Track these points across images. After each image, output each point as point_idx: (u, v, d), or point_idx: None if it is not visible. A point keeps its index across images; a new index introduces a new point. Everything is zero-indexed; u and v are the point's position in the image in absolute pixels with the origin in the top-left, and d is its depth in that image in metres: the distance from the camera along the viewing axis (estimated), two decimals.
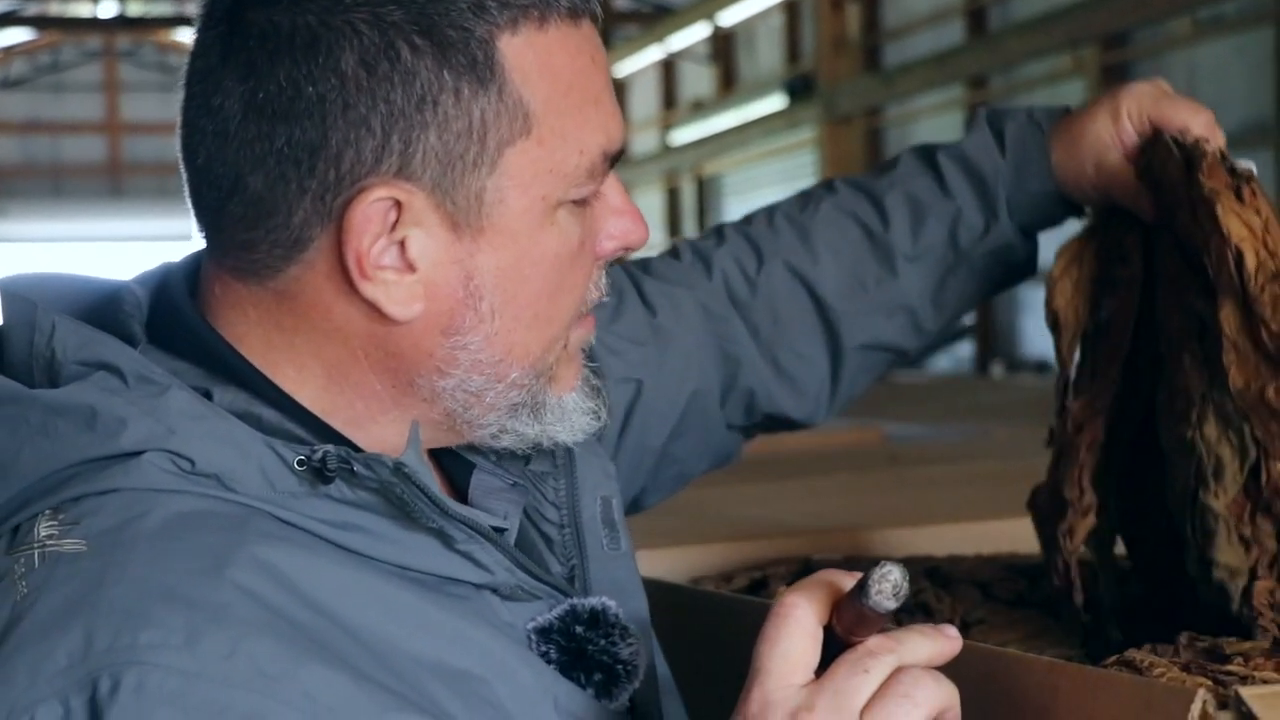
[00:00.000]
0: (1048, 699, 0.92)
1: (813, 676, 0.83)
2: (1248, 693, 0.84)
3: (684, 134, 14.35)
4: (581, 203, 0.94)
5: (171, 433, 0.85)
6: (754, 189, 14.20)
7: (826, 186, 1.35)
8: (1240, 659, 0.98)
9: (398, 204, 0.88)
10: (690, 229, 15.38)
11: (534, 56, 0.90)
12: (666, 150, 14.75)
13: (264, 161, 0.87)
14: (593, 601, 0.95)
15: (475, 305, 0.91)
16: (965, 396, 4.38)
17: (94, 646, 0.77)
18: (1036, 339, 10.27)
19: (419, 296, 0.89)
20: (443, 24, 0.87)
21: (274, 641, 0.80)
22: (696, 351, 1.27)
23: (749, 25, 13.94)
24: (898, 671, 0.82)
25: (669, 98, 15.72)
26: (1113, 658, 1.01)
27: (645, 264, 1.32)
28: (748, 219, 1.35)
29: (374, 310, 0.89)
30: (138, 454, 0.85)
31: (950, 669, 0.83)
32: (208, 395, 0.89)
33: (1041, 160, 1.30)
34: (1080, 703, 0.90)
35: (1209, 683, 0.89)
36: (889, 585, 0.79)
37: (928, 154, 1.33)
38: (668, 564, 1.45)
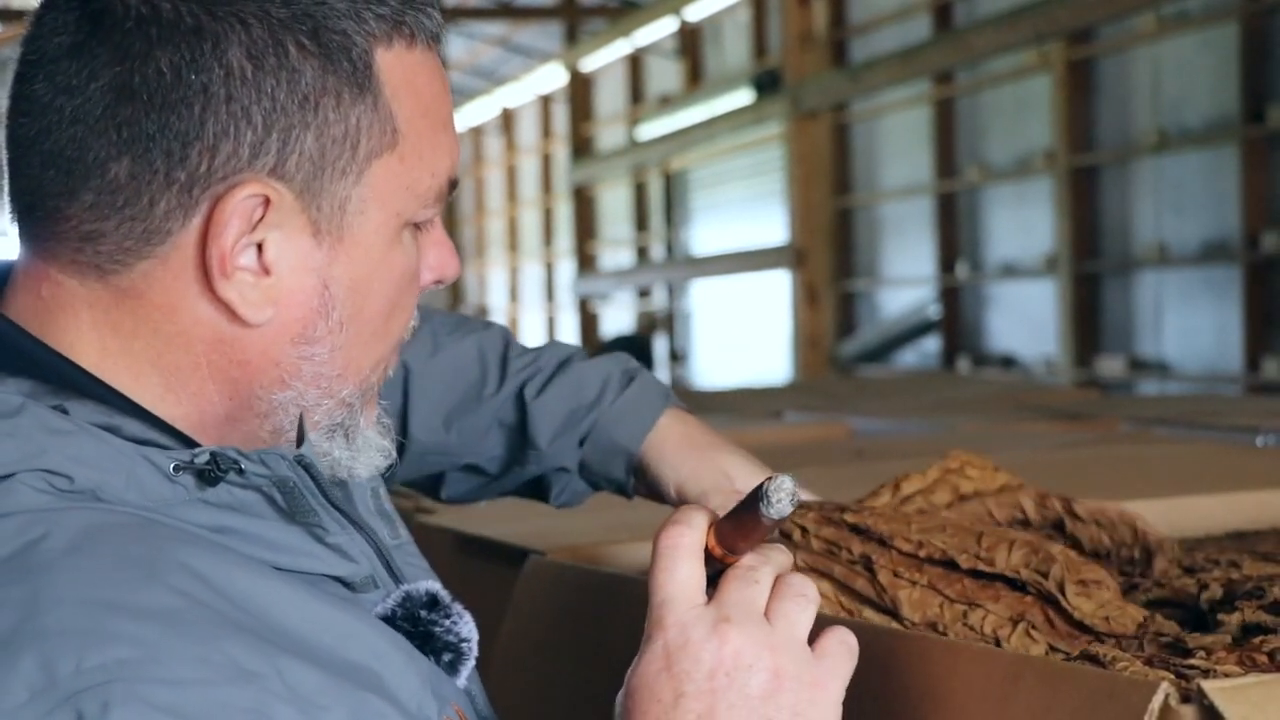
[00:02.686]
0: (1009, 691, 0.93)
1: (706, 597, 0.89)
2: (1210, 686, 0.84)
3: (651, 129, 14.34)
4: (419, 227, 0.94)
5: (43, 451, 0.83)
6: (721, 184, 14.20)
7: (486, 326, 1.36)
8: (1203, 653, 0.99)
9: (266, 202, 0.86)
10: (658, 224, 15.37)
11: (403, 73, 0.90)
12: (634, 145, 14.74)
13: (131, 148, 0.85)
14: (424, 585, 0.94)
15: (327, 315, 0.90)
16: (931, 391, 4.39)
17: (58, 673, 0.75)
18: (1002, 334, 10.30)
19: (272, 301, 0.88)
20: (326, 27, 0.87)
21: (238, 638, 0.79)
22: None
23: (716, 20, 13.93)
24: (781, 577, 0.90)
25: (636, 92, 15.71)
26: (1076, 651, 1.01)
27: None
28: None
29: (226, 312, 0.87)
30: (7, 476, 0.82)
31: (914, 661, 0.85)
32: (63, 411, 0.85)
33: (645, 422, 1.27)
34: (1042, 695, 0.91)
35: (1171, 676, 0.90)
36: (785, 494, 0.87)
37: (565, 359, 1.32)
38: (640, 558, 1.45)
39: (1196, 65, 8.43)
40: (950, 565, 1.09)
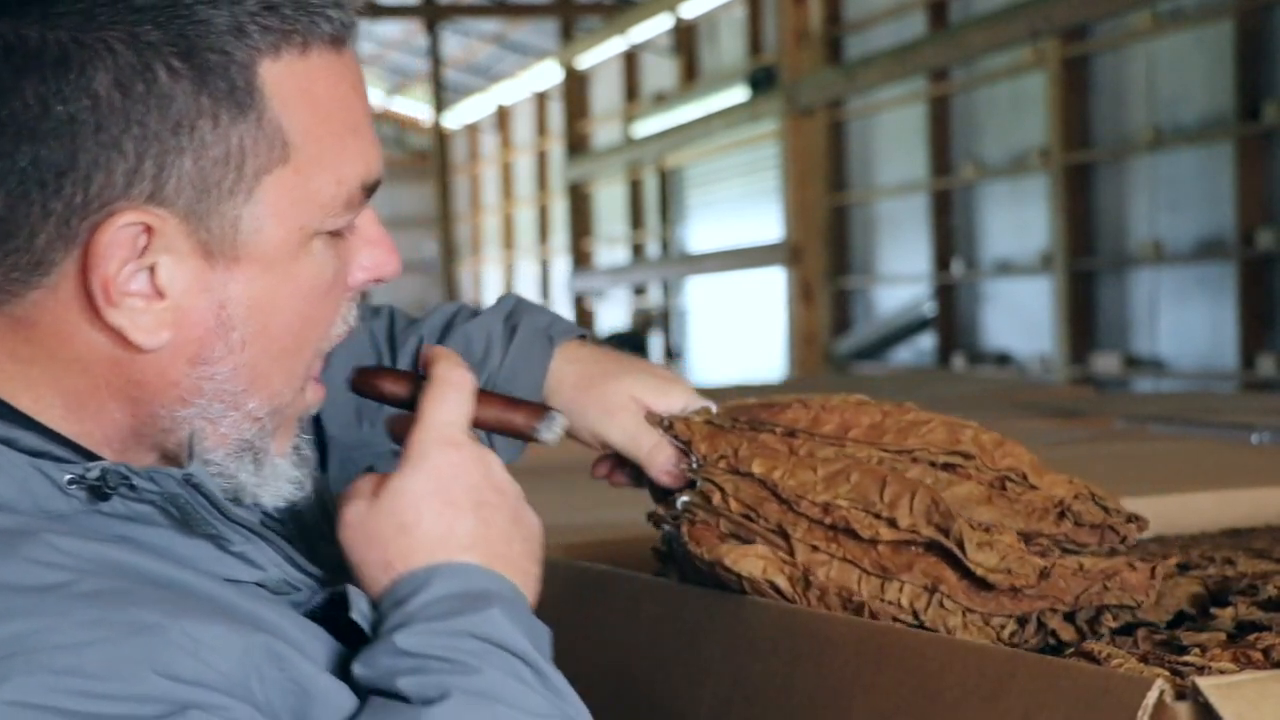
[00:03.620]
0: (1003, 687, 0.93)
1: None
2: (1205, 683, 0.84)
3: (646, 126, 14.34)
4: (336, 233, 0.93)
5: None
6: (717, 181, 14.20)
7: (375, 312, 1.33)
8: (1198, 650, 0.99)
9: (148, 229, 0.86)
10: (653, 221, 15.37)
11: (295, 83, 0.88)
12: (629, 142, 14.73)
13: (4, 181, 0.85)
14: (346, 587, 0.95)
15: (226, 335, 0.89)
16: (926, 388, 4.39)
17: None
18: (998, 332, 10.30)
19: (167, 324, 0.88)
20: (202, 47, 0.85)
21: (136, 596, 0.81)
22: None
23: (711, 17, 13.93)
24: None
25: (631, 90, 15.70)
26: (1071, 649, 1.01)
27: None
28: None
29: (119, 338, 0.87)
30: None
31: (907, 657, 0.85)
32: None
33: (539, 367, 1.25)
34: (1036, 691, 0.90)
35: (1166, 673, 0.89)
36: (555, 432, 1.02)
37: (450, 320, 1.30)
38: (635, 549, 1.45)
39: (1192, 63, 8.43)
40: (855, 536, 1.10)
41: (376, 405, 1.25)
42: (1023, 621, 1.06)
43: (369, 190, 0.94)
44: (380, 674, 0.87)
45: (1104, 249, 9.14)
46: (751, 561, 1.11)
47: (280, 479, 0.96)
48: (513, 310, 1.28)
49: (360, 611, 0.91)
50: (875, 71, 10.04)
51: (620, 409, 1.21)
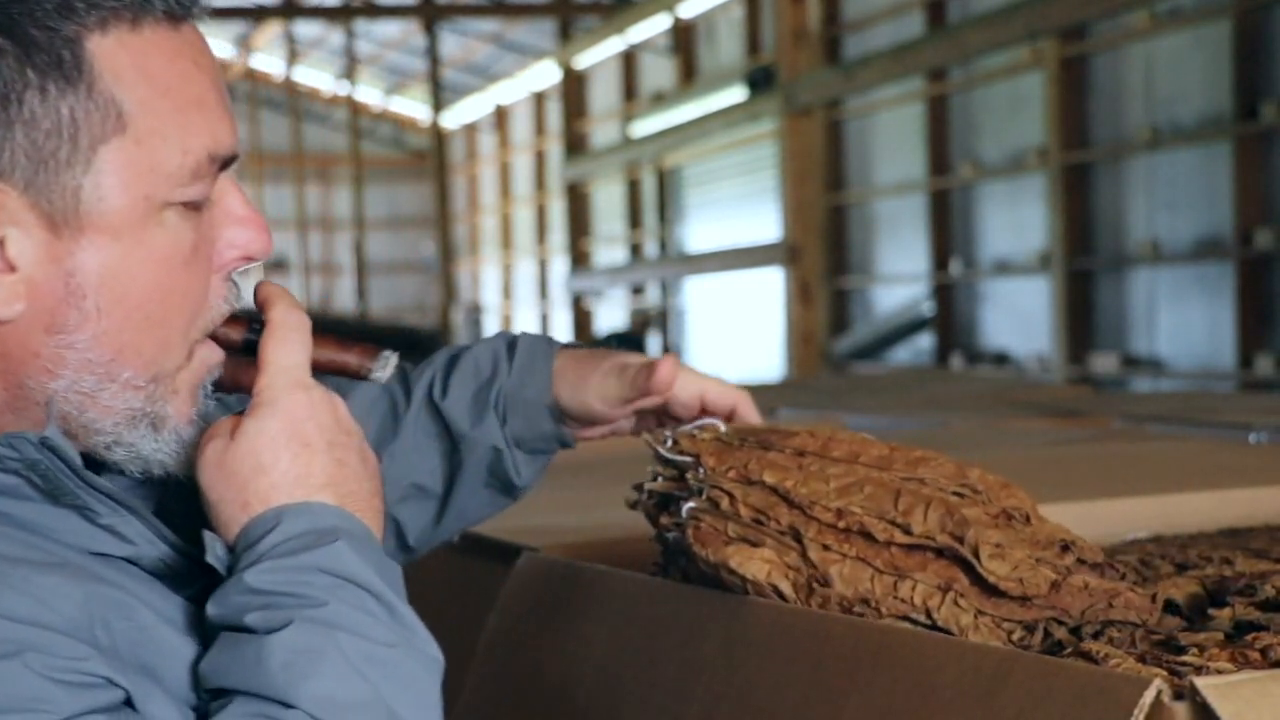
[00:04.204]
0: (999, 685, 0.92)
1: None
2: (1203, 682, 0.84)
3: (645, 126, 14.33)
4: (194, 206, 0.94)
5: None
6: (715, 181, 14.20)
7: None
8: (1195, 649, 0.98)
9: None
10: (651, 221, 15.36)
11: (127, 57, 0.91)
12: (627, 142, 14.73)
13: None
14: (203, 533, 0.97)
15: (78, 303, 0.91)
16: (925, 388, 4.39)
17: None
18: (996, 331, 10.30)
19: (20, 296, 0.90)
20: (26, 23, 0.88)
21: None
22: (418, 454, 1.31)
23: (709, 17, 13.93)
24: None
25: (630, 89, 15.70)
26: (1069, 649, 1.01)
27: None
28: None
29: None
30: None
31: (903, 655, 0.85)
32: None
33: (544, 370, 1.31)
34: (1032, 690, 0.90)
35: (1164, 673, 0.89)
36: (388, 371, 1.07)
37: (455, 352, 1.36)
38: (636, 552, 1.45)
39: (1190, 62, 8.43)
40: (872, 537, 1.10)
41: (392, 440, 1.31)
42: (1030, 628, 1.06)
43: (222, 164, 0.96)
44: (230, 611, 0.89)
45: (1102, 249, 9.14)
46: (757, 564, 1.11)
47: (189, 447, 0.98)
48: (510, 334, 1.36)
49: (215, 556, 0.93)
50: (873, 71, 10.05)
51: (617, 373, 1.28)
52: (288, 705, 0.86)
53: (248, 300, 1.02)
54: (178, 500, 1.01)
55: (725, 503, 1.15)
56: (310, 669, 0.86)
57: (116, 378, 0.93)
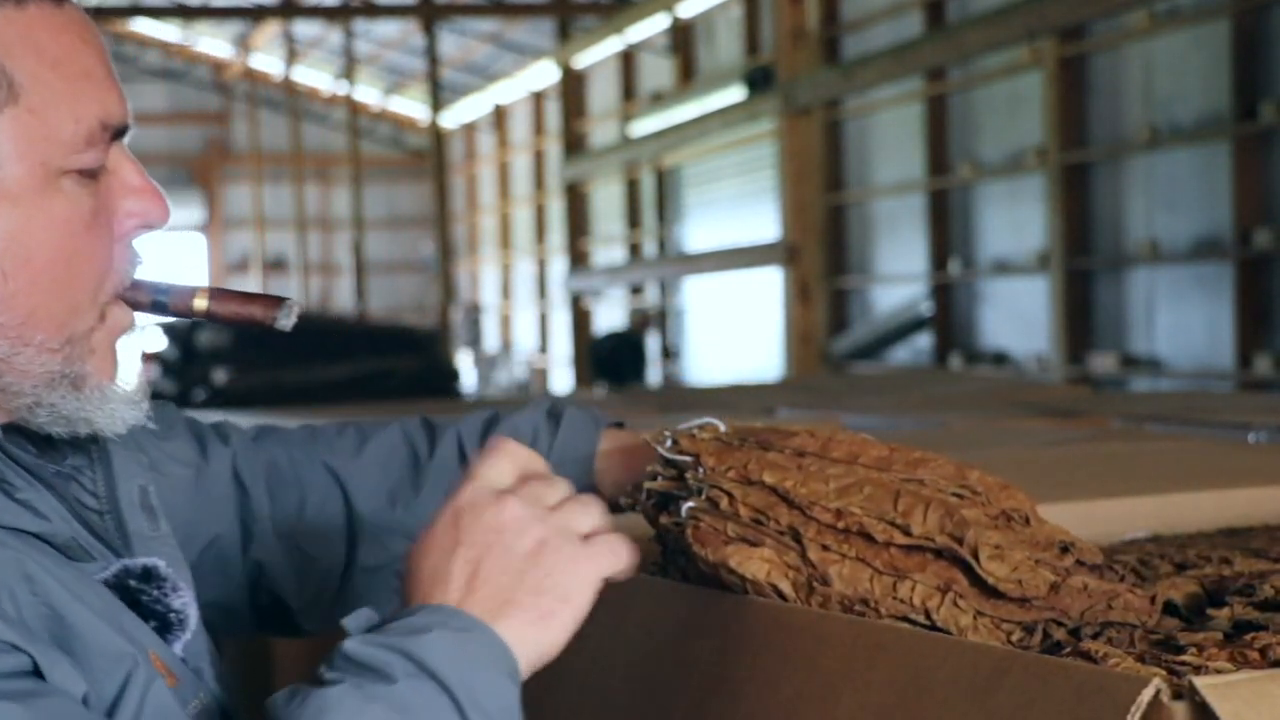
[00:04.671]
0: (995, 684, 0.92)
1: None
2: (1201, 682, 0.84)
3: (643, 126, 14.33)
4: (90, 175, 0.98)
5: None
6: (714, 180, 14.19)
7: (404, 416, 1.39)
8: (1194, 649, 0.98)
9: None
10: (650, 220, 15.36)
11: (15, 32, 0.94)
12: (626, 142, 14.72)
13: None
14: (144, 560, 1.01)
15: None
16: (924, 387, 4.39)
17: None
18: (995, 331, 10.30)
19: None
20: None
21: None
22: (222, 503, 1.29)
23: (708, 17, 13.93)
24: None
25: (628, 89, 15.70)
26: (1067, 648, 1.00)
27: (219, 424, 1.35)
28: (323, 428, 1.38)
29: None
30: None
31: (899, 654, 0.85)
32: None
33: (586, 453, 1.30)
34: (1028, 688, 0.90)
35: (1163, 672, 0.89)
36: (292, 319, 1.10)
37: (490, 418, 1.35)
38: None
39: (1188, 62, 8.43)
40: (871, 538, 1.11)
41: (410, 486, 1.31)
42: (1030, 629, 1.06)
43: (115, 133, 0.99)
44: (320, 670, 0.90)
45: (1101, 248, 9.14)
46: (756, 564, 1.11)
47: (112, 403, 1.01)
48: (555, 406, 1.35)
49: (355, 622, 0.93)
50: (872, 71, 10.05)
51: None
52: None
53: (149, 266, 1.05)
54: (100, 473, 1.05)
55: (725, 503, 1.15)
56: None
57: (30, 341, 0.96)
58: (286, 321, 1.10)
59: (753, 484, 1.15)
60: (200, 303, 1.08)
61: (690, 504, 1.16)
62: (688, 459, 1.19)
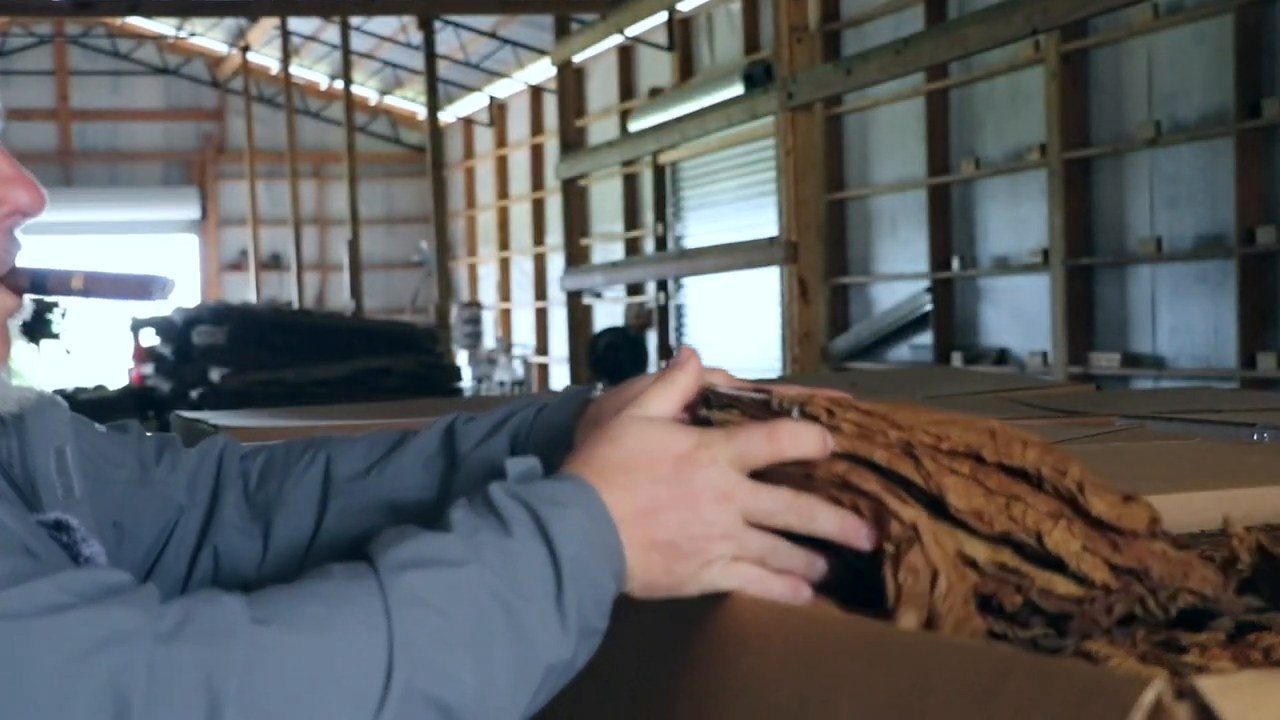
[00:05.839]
0: (996, 685, 0.91)
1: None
2: (1205, 682, 0.82)
3: (642, 121, 14.34)
4: None
5: None
6: (713, 177, 14.20)
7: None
8: (1197, 650, 0.97)
9: None
10: (648, 217, 15.36)
11: None
12: (625, 138, 14.73)
13: None
14: (54, 514, 1.04)
15: None
16: (925, 386, 4.37)
17: None
18: (996, 329, 10.30)
19: None
20: None
21: None
22: (164, 512, 1.26)
23: (708, 11, 13.93)
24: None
25: (627, 85, 15.70)
26: (1069, 648, 0.99)
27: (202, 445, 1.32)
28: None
29: None
30: None
31: (897, 655, 0.84)
32: None
33: (569, 411, 1.24)
34: (1030, 689, 0.89)
35: (1165, 673, 0.88)
36: (167, 293, 1.16)
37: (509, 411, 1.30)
38: None
39: (1191, 59, 8.42)
40: (978, 459, 1.07)
41: (384, 454, 1.26)
42: (1121, 573, 1.04)
43: None
44: (458, 502, 0.93)
45: (1103, 246, 9.13)
46: (867, 477, 1.05)
47: (5, 386, 1.05)
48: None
49: (514, 468, 0.96)
50: (873, 67, 10.03)
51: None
52: (381, 581, 0.86)
53: (26, 253, 1.08)
54: (15, 439, 1.09)
55: (824, 416, 1.08)
56: (431, 567, 0.88)
57: None
58: (161, 297, 1.14)
59: (846, 405, 1.10)
60: (77, 283, 1.10)
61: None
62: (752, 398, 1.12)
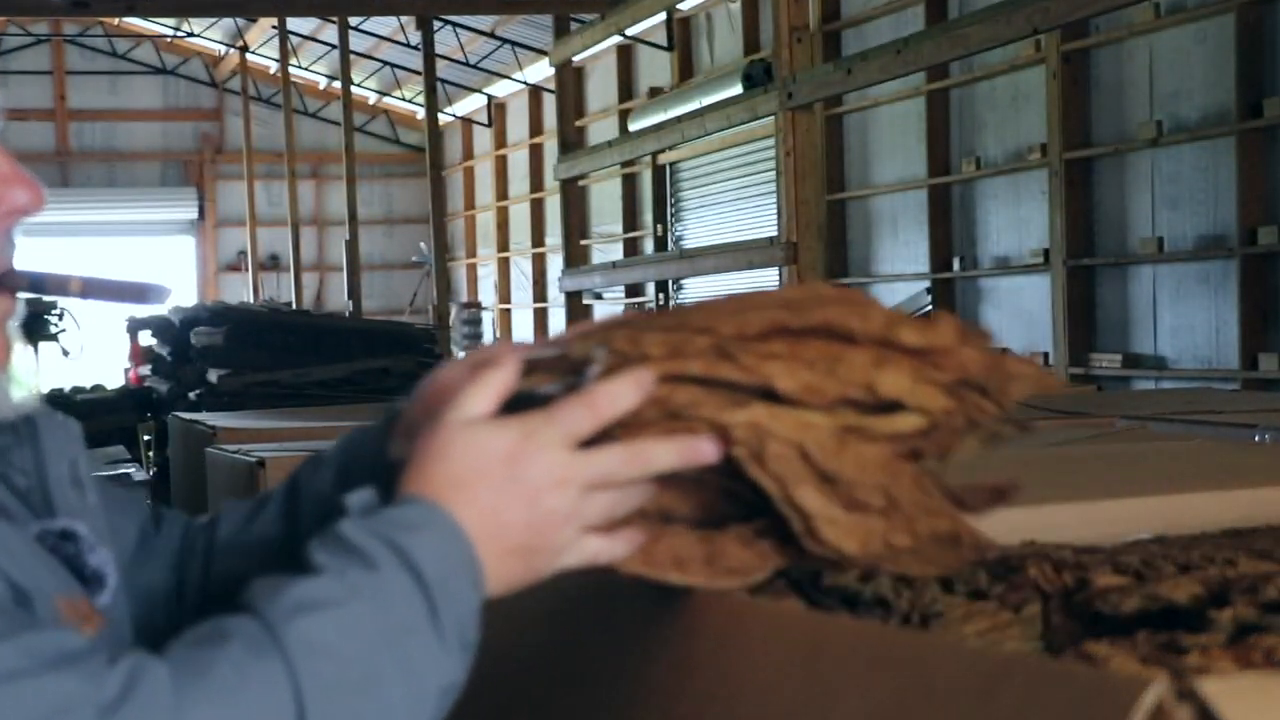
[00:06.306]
0: (994, 686, 0.91)
1: None
2: (1205, 684, 0.82)
3: (642, 121, 14.34)
4: None
5: None
6: (713, 177, 14.19)
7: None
8: (1198, 651, 0.97)
9: None
10: (648, 217, 15.36)
11: None
12: (624, 138, 14.73)
13: None
14: (61, 523, 1.05)
15: None
16: None
17: None
18: (997, 329, 10.30)
19: None
20: None
21: None
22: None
23: (707, 12, 13.93)
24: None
25: (626, 85, 15.70)
26: (1069, 650, 0.99)
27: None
28: None
29: None
30: None
31: (898, 656, 0.83)
32: None
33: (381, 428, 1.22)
34: (1029, 690, 0.88)
35: (1166, 674, 0.87)
36: (164, 298, 1.16)
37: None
38: None
39: (1193, 58, 8.42)
40: (787, 333, 1.02)
41: (255, 509, 1.23)
42: (953, 389, 1.06)
43: None
44: (313, 544, 0.94)
45: (1104, 246, 9.12)
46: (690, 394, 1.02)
47: (2, 387, 1.05)
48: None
49: (354, 503, 0.96)
50: (873, 67, 10.03)
51: None
52: (273, 632, 0.88)
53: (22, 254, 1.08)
54: (28, 450, 1.09)
55: (625, 347, 1.03)
56: (316, 611, 0.89)
57: None
58: (157, 302, 1.15)
59: (650, 329, 1.04)
60: (75, 286, 1.11)
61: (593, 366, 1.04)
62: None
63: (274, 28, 19.30)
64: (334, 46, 18.39)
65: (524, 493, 0.98)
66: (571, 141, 15.77)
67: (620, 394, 0.99)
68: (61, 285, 1.10)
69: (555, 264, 17.60)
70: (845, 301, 1.06)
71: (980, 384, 1.06)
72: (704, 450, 1.00)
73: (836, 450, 1.02)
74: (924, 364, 1.04)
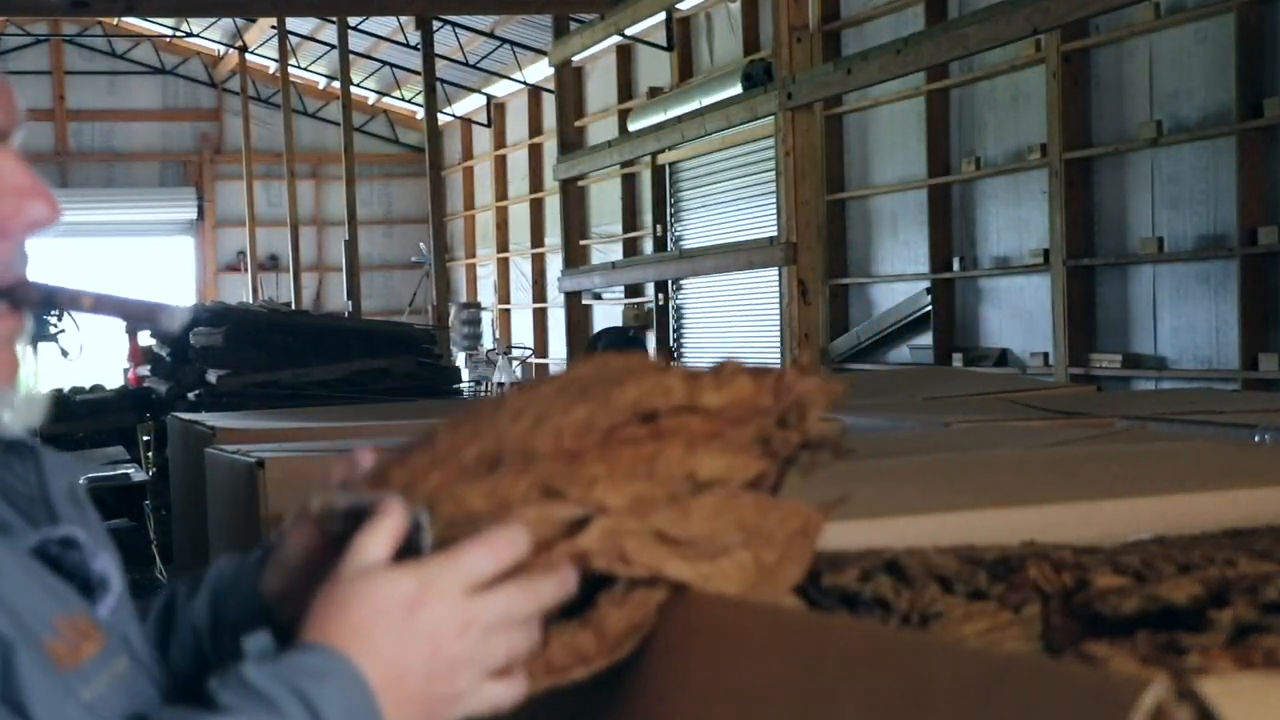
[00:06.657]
0: (994, 687, 0.91)
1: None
2: (1207, 684, 0.82)
3: (641, 121, 14.33)
4: None
5: None
6: (712, 177, 14.19)
7: None
8: (1198, 651, 0.97)
9: None
10: (647, 218, 15.36)
11: None
12: (624, 138, 14.72)
13: None
14: (62, 530, 1.04)
15: None
16: (925, 387, 4.37)
17: None
18: (997, 330, 10.29)
19: None
20: None
21: None
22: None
23: (707, 12, 13.92)
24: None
25: (626, 85, 15.69)
26: (1069, 650, 0.99)
27: None
28: None
29: None
30: None
31: (899, 657, 0.84)
32: None
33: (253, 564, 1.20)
34: (1030, 692, 0.88)
35: (1166, 674, 0.87)
36: (180, 320, 1.16)
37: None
38: None
39: (1193, 58, 8.42)
40: (601, 431, 1.05)
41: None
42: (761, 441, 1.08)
43: None
44: (215, 683, 0.94)
45: (1104, 246, 9.12)
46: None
47: (8, 404, 1.05)
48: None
49: (253, 647, 0.97)
50: (873, 67, 10.03)
51: None
52: None
53: (35, 265, 1.07)
54: (30, 465, 1.08)
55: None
56: None
57: None
58: (169, 326, 1.15)
59: (456, 480, 1.05)
60: (87, 303, 1.11)
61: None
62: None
63: (273, 28, 19.28)
64: (333, 46, 18.39)
65: (424, 642, 0.98)
66: (571, 141, 15.77)
67: (517, 539, 1.01)
68: (73, 301, 1.11)
69: (555, 264, 17.60)
70: (638, 374, 1.08)
71: (782, 418, 1.08)
72: (572, 577, 1.02)
73: (683, 516, 1.05)
74: (729, 426, 1.07)
